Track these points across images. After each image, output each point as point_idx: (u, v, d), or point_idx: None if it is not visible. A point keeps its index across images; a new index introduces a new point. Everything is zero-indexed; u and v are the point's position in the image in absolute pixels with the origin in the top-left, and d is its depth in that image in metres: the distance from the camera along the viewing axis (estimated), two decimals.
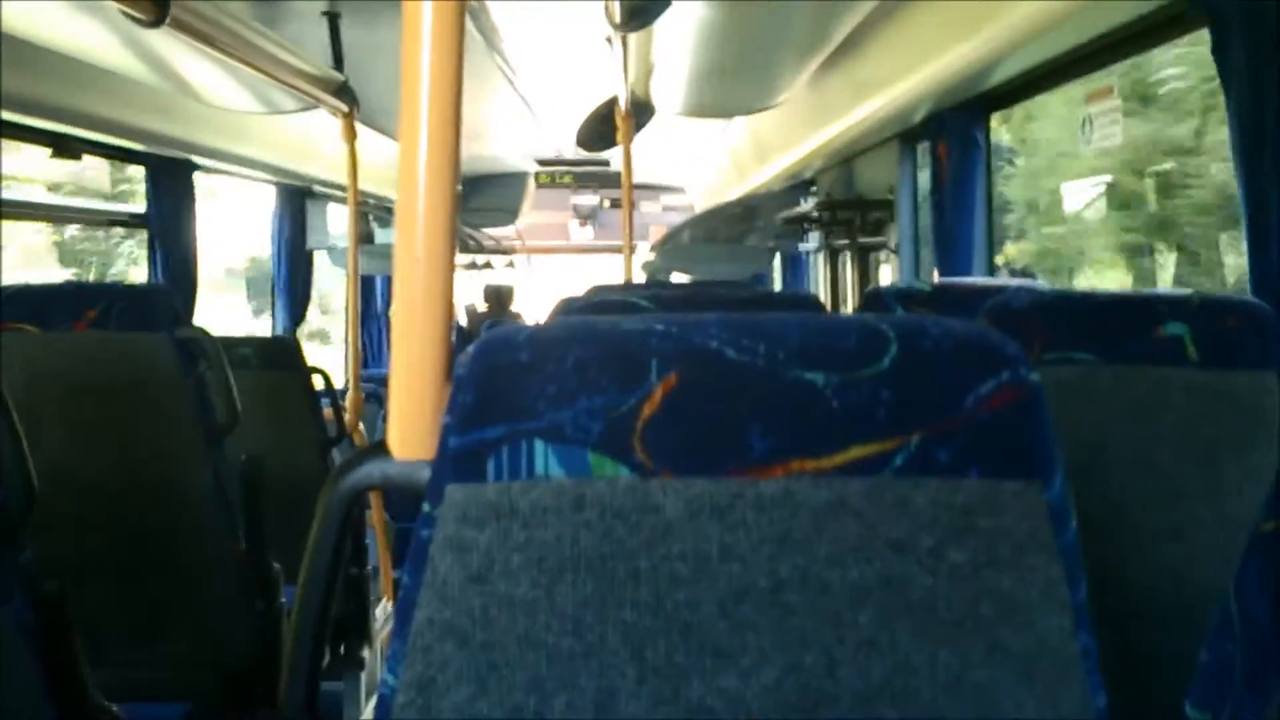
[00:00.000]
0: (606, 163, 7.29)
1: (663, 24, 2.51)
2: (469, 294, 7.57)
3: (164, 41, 2.38)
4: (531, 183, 7.53)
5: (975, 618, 0.78)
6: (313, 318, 6.55)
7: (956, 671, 0.77)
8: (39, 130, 3.19)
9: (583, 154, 6.27)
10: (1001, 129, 4.03)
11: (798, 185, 5.19)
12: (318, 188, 5.33)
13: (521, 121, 5.50)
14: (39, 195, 5.05)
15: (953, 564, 0.78)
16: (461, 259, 7.06)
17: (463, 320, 7.18)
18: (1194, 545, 1.36)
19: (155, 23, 2.05)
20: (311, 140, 4.47)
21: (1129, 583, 1.37)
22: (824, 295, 4.94)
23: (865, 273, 4.49)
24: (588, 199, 7.95)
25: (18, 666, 1.32)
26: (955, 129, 3.06)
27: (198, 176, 4.15)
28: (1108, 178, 4.24)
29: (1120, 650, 0.93)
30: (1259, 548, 0.86)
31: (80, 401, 2.22)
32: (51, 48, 2.48)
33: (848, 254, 4.65)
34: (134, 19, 2.05)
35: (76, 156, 3.41)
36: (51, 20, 2.26)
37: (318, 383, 3.54)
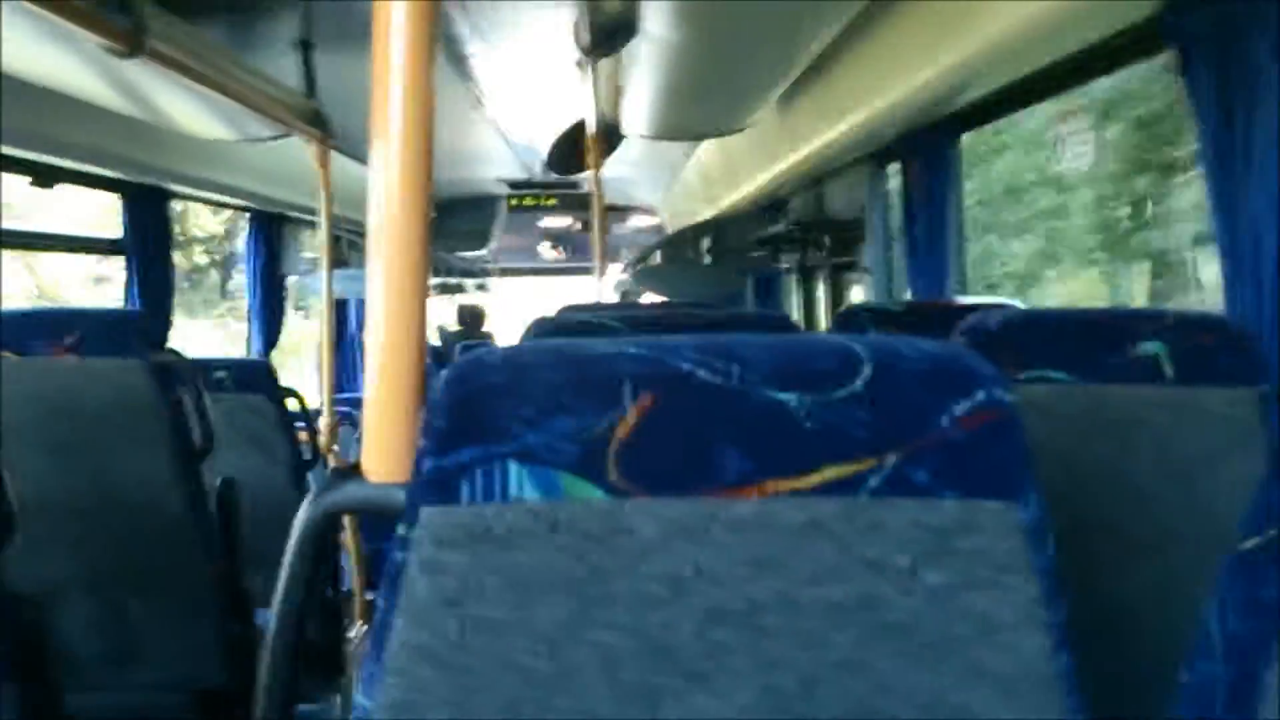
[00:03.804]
0: (578, 185, 7.29)
1: (631, 48, 2.52)
2: (440, 316, 7.56)
3: (139, 71, 2.38)
4: (503, 206, 7.54)
5: (953, 638, 0.77)
6: None
7: (934, 692, 0.77)
8: (16, 159, 3.18)
9: (554, 177, 6.27)
10: None
11: (770, 206, 5.20)
12: (292, 213, 5.33)
13: (493, 145, 5.50)
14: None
15: (930, 585, 0.77)
16: (433, 282, 7.05)
17: (435, 342, 7.17)
18: (1172, 562, 1.36)
19: (131, 53, 2.06)
20: (286, 166, 4.47)
21: (1108, 601, 1.36)
22: (797, 315, 4.94)
23: (838, 292, 4.50)
24: (559, 221, 7.94)
25: None
26: (926, 149, 3.07)
27: None
28: None
29: (1100, 669, 0.93)
30: (1240, 565, 0.86)
31: (58, 426, 2.20)
32: (27, 78, 2.48)
33: (820, 274, 4.66)
34: (110, 50, 2.05)
35: (49, 185, 3.41)
36: (27, 51, 2.25)
37: (292, 406, 3.54)
